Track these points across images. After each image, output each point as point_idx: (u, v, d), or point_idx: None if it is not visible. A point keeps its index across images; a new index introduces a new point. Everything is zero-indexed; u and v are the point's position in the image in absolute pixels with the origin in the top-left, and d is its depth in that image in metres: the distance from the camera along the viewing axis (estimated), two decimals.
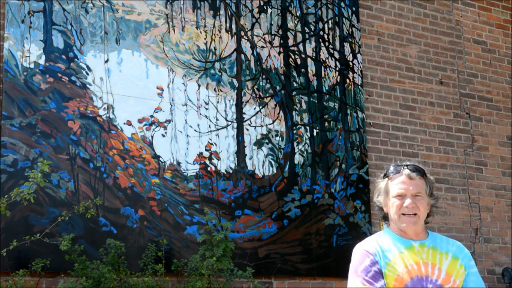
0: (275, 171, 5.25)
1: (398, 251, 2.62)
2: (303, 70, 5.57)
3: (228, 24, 5.35)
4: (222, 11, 5.34)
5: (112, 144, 4.71)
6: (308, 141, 5.44)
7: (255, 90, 5.33)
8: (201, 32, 5.23)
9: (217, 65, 5.22)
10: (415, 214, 2.61)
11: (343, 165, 5.52)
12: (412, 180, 2.63)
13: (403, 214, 2.61)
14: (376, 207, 2.75)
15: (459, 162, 6.17)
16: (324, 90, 5.62)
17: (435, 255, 2.61)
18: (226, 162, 5.07)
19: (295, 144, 5.37)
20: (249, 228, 5.03)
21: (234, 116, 5.20)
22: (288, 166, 5.30)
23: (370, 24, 6.07)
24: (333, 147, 5.53)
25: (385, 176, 2.71)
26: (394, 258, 2.60)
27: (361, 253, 2.64)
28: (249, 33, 5.41)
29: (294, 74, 5.52)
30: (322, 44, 5.72)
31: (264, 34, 5.47)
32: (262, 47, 5.44)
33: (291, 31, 5.60)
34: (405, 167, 2.67)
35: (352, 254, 2.68)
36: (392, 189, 2.65)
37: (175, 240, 4.73)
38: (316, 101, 5.56)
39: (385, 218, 2.73)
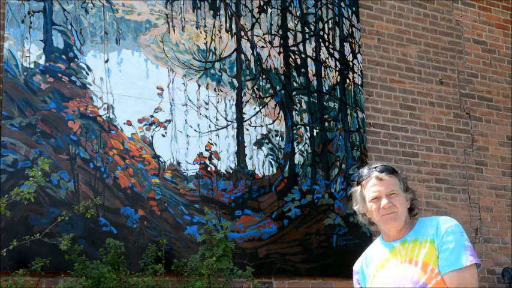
0: (275, 171, 5.25)
1: (383, 257, 2.66)
2: (303, 70, 5.57)
3: (228, 24, 5.35)
4: (222, 11, 5.34)
5: (112, 144, 4.71)
6: (308, 141, 5.44)
7: (255, 90, 5.33)
8: (201, 32, 5.23)
9: (217, 65, 5.23)
10: (394, 212, 2.61)
11: (343, 165, 5.52)
12: (383, 180, 2.63)
13: (384, 215, 2.62)
14: (358, 215, 2.76)
15: (459, 162, 6.17)
16: (324, 90, 5.62)
17: (414, 249, 2.58)
18: (226, 162, 5.07)
19: (295, 144, 5.37)
20: (249, 228, 5.03)
21: (234, 116, 5.20)
22: (288, 166, 5.30)
23: (370, 24, 6.07)
24: (333, 147, 5.53)
25: (358, 183, 2.72)
26: (377, 267, 2.67)
27: (353, 271, 2.81)
28: (249, 33, 5.41)
29: (294, 74, 5.52)
30: (322, 44, 5.72)
31: (264, 34, 5.47)
32: (262, 47, 5.44)
33: (291, 31, 5.60)
34: (373, 169, 2.67)
35: None
36: (367, 194, 2.66)
37: (175, 240, 4.73)
38: (316, 101, 5.56)
39: (371, 223, 2.74)
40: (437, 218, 2.62)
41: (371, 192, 2.64)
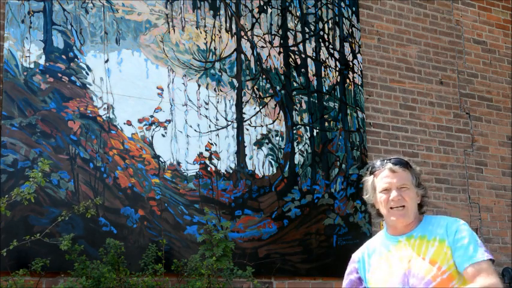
0: (275, 171, 5.25)
1: (387, 250, 2.65)
2: (303, 70, 5.57)
3: (228, 24, 5.35)
4: (222, 11, 5.34)
5: (112, 144, 4.71)
6: (308, 141, 5.44)
7: (255, 90, 5.33)
8: (201, 32, 5.23)
9: (217, 65, 5.23)
10: (403, 206, 2.60)
11: (343, 165, 5.52)
12: (396, 173, 2.63)
13: (391, 208, 2.61)
14: (368, 204, 2.76)
15: (459, 162, 6.18)
16: (324, 90, 5.62)
17: (421, 246, 2.58)
18: (226, 162, 5.07)
19: (295, 144, 5.37)
20: (249, 228, 5.03)
21: (234, 116, 5.20)
22: (288, 166, 5.30)
23: (370, 24, 6.07)
24: (333, 147, 5.53)
25: (371, 172, 2.72)
26: (380, 259, 2.65)
27: (351, 259, 2.79)
28: (249, 33, 5.41)
29: (294, 74, 5.52)
30: (322, 44, 5.72)
31: (264, 34, 5.47)
32: (262, 47, 5.44)
33: (291, 31, 5.60)
34: (388, 161, 2.67)
35: None
36: (378, 184, 2.66)
37: (175, 240, 4.73)
38: (316, 101, 5.56)
39: (379, 214, 2.73)
40: (445, 218, 2.63)
41: (382, 183, 2.64)
